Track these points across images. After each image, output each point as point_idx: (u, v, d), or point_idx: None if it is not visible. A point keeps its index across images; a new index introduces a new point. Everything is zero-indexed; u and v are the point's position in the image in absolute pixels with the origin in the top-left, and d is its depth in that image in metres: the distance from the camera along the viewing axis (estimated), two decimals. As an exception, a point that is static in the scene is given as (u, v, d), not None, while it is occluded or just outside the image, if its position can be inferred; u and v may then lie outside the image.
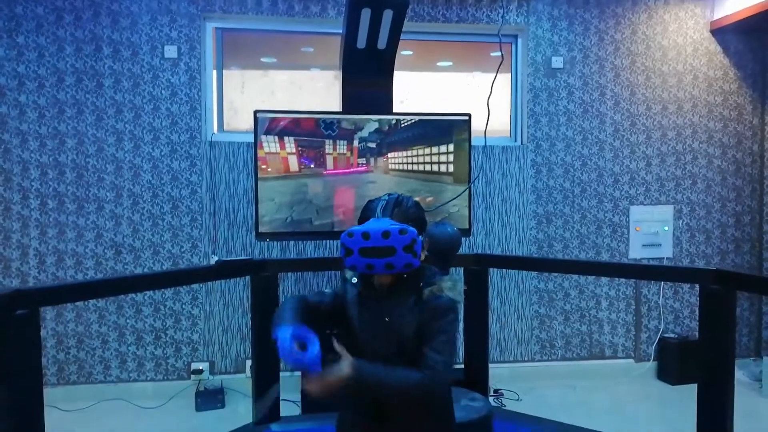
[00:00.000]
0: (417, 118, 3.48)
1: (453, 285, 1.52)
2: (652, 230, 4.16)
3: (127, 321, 3.75)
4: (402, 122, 3.45)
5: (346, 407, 1.60)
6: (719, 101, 4.22)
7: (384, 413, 1.51)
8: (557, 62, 4.04)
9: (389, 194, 1.55)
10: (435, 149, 3.48)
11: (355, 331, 1.57)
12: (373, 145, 3.42)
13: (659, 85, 4.15)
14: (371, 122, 3.39)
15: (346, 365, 1.36)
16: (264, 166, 3.30)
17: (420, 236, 1.46)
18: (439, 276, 1.54)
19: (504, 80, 4.21)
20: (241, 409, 3.43)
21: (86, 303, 3.69)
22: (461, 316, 1.58)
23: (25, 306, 1.97)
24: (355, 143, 3.39)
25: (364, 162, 3.41)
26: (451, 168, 3.49)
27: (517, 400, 3.67)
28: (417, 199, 1.69)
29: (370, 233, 1.42)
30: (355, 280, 1.59)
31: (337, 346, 1.40)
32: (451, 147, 3.49)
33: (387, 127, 3.42)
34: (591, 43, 4.07)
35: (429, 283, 1.50)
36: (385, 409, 1.51)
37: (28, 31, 3.60)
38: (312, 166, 3.37)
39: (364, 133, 3.40)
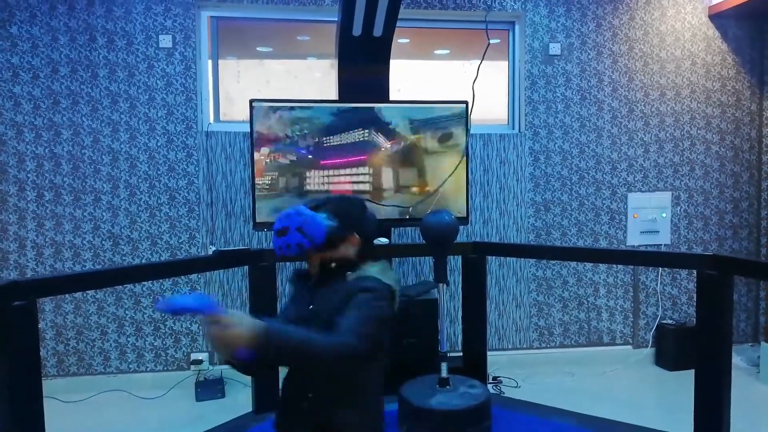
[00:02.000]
0: (414, 105, 3.46)
1: (381, 270, 1.56)
2: (650, 217, 4.16)
3: (126, 312, 3.76)
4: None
5: (253, 373, 1.57)
6: (717, 87, 4.21)
7: (300, 415, 1.51)
8: (555, 49, 4.02)
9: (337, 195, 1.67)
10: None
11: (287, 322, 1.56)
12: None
13: (657, 71, 4.14)
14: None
15: (248, 318, 1.25)
16: (261, 158, 3.29)
17: (340, 230, 1.54)
18: (371, 263, 1.58)
19: (501, 67, 4.19)
20: (241, 398, 3.45)
21: (85, 294, 3.69)
22: (391, 302, 1.51)
23: (22, 297, 1.97)
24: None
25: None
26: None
27: (516, 387, 3.69)
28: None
29: (281, 215, 1.55)
30: (294, 278, 1.68)
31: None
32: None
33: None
34: (589, 30, 4.05)
35: (356, 270, 1.55)
36: (300, 412, 1.51)
37: (22, 21, 3.57)
38: (310, 157, 3.36)
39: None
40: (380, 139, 3.41)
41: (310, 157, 3.36)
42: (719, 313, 2.47)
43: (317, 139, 3.35)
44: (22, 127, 3.61)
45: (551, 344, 4.15)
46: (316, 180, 3.36)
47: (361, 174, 3.40)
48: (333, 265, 1.55)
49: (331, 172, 3.37)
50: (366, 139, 3.40)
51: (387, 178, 3.43)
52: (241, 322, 1.21)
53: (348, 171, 3.39)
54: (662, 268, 4.16)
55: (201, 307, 1.20)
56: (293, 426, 1.55)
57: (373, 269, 1.55)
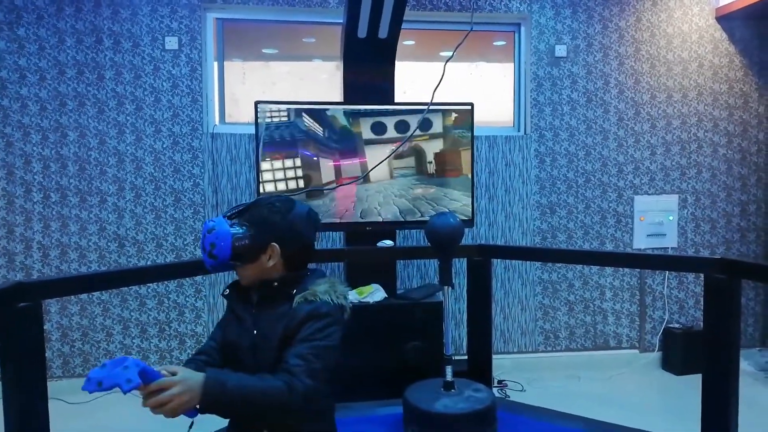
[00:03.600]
0: (418, 107, 3.46)
1: (330, 287, 1.42)
2: (656, 220, 4.14)
3: (131, 314, 3.76)
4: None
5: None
6: (725, 89, 4.18)
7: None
8: (561, 51, 4.00)
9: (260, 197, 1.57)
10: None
11: (230, 347, 1.48)
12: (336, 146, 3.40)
13: (664, 73, 4.11)
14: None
15: (180, 375, 1.19)
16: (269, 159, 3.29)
17: (251, 239, 1.42)
18: (318, 280, 1.45)
19: (507, 69, 4.18)
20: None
21: (90, 296, 3.70)
22: (342, 322, 1.43)
23: (28, 298, 1.97)
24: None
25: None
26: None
27: (521, 390, 3.67)
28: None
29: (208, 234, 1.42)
30: (227, 292, 1.53)
31: (165, 370, 1.22)
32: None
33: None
34: (595, 31, 4.03)
35: (302, 289, 1.42)
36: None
37: (29, 23, 3.58)
38: (315, 158, 3.36)
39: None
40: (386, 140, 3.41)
41: (315, 159, 3.36)
42: (727, 317, 2.45)
43: (322, 141, 3.35)
44: (29, 128, 3.63)
45: (557, 348, 4.13)
46: (321, 182, 3.36)
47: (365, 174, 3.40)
48: (275, 284, 1.43)
49: (336, 173, 3.37)
50: (370, 139, 3.39)
51: (390, 181, 3.43)
52: (184, 385, 1.17)
53: (353, 172, 3.39)
54: (669, 271, 4.13)
55: (137, 377, 1.12)
56: None
57: (320, 288, 1.41)
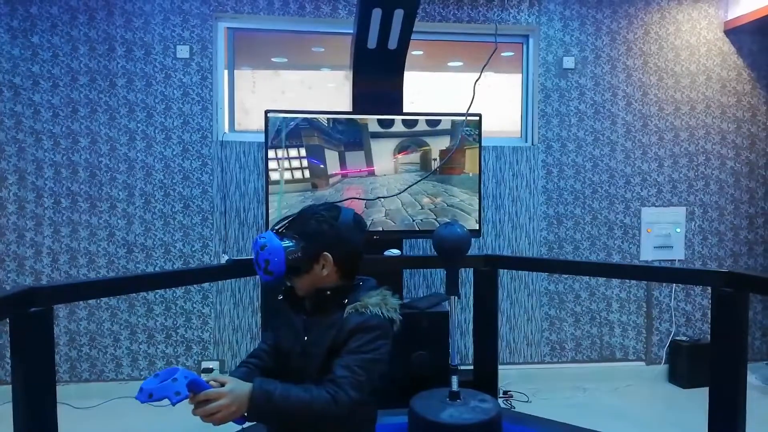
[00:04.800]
0: (427, 117, 3.48)
1: (382, 300, 1.43)
2: (663, 232, 4.13)
3: (139, 319, 3.78)
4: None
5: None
6: (733, 102, 4.18)
7: None
8: (569, 62, 4.02)
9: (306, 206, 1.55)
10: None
11: (280, 351, 1.52)
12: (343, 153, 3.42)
13: (672, 85, 4.12)
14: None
15: (228, 386, 1.24)
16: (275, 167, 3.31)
17: (303, 250, 1.44)
18: (370, 292, 1.46)
19: (515, 80, 4.20)
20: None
21: (98, 301, 3.73)
22: (391, 335, 1.44)
23: (39, 304, 1.99)
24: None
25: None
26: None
27: (527, 401, 3.66)
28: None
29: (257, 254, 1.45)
30: (280, 297, 1.56)
31: (214, 381, 1.27)
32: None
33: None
34: (603, 44, 4.05)
35: (354, 299, 1.43)
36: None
37: (43, 30, 3.64)
38: (321, 165, 3.38)
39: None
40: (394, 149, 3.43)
41: (322, 166, 3.38)
42: (734, 330, 2.44)
43: (331, 149, 3.37)
44: (41, 134, 3.67)
45: (563, 359, 4.12)
46: (329, 190, 3.38)
47: (371, 183, 3.42)
48: (328, 293, 1.45)
49: (344, 181, 3.39)
50: (378, 149, 3.41)
51: (398, 188, 3.45)
52: (232, 396, 1.22)
53: (360, 181, 3.41)
54: (676, 284, 4.11)
55: (185, 389, 1.17)
56: None
57: (372, 300, 1.43)
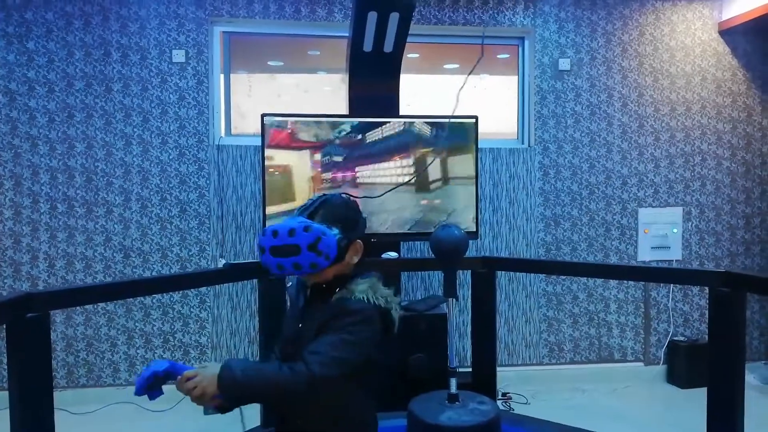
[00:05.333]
0: (422, 120, 3.48)
1: (369, 287, 1.43)
2: (660, 232, 4.14)
3: (136, 324, 3.77)
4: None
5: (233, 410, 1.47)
6: (728, 102, 4.20)
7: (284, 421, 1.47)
8: (564, 64, 4.03)
9: (321, 195, 1.52)
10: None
11: (282, 339, 1.56)
12: (339, 159, 3.41)
13: (667, 86, 4.14)
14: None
15: (200, 366, 1.34)
16: (274, 170, 3.31)
17: (345, 237, 1.42)
18: (360, 279, 1.46)
19: (511, 82, 4.20)
20: (249, 412, 3.43)
21: (95, 306, 3.72)
22: (376, 322, 1.42)
23: (36, 309, 1.98)
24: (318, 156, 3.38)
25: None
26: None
27: (526, 403, 3.66)
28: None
29: (278, 231, 1.38)
30: (290, 283, 1.58)
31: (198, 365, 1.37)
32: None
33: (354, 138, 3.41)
34: (598, 45, 4.06)
35: (344, 286, 1.44)
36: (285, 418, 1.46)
37: (38, 36, 3.63)
38: (319, 170, 3.38)
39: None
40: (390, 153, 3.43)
41: (318, 170, 3.38)
42: (732, 330, 2.44)
43: (325, 153, 3.38)
44: (37, 140, 3.66)
45: (561, 360, 4.12)
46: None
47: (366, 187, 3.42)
48: (324, 285, 1.46)
49: (340, 185, 3.39)
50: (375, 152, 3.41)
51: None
52: (204, 374, 1.30)
53: (357, 182, 3.41)
54: (674, 284, 4.12)
55: (165, 371, 1.32)
56: None
57: (359, 287, 1.43)
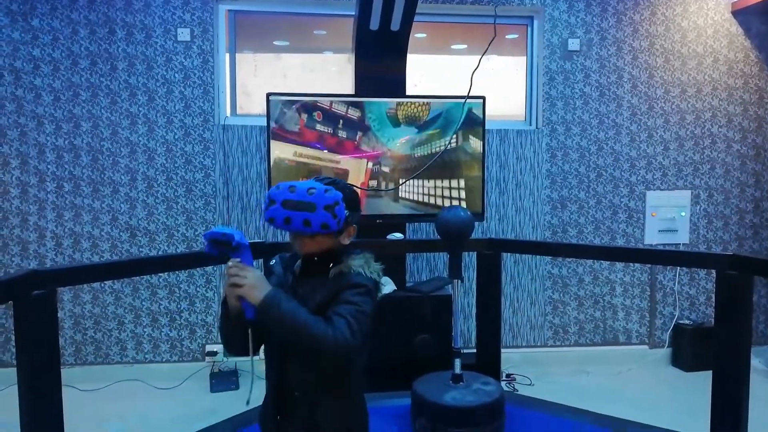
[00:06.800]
0: (430, 100, 3.45)
1: (365, 262, 1.48)
2: (668, 216, 4.11)
3: (143, 303, 3.80)
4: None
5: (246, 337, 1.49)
6: (740, 84, 4.13)
7: (289, 404, 1.47)
8: (574, 44, 3.97)
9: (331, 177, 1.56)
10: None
11: None
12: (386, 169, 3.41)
13: (678, 67, 4.07)
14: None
15: (261, 274, 1.37)
16: (277, 152, 3.30)
17: (347, 216, 1.44)
18: (354, 255, 1.50)
19: (519, 63, 4.15)
20: (255, 390, 3.47)
21: (102, 285, 3.74)
22: (375, 295, 1.48)
23: (42, 286, 1.99)
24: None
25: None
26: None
27: (530, 385, 3.67)
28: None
29: (296, 186, 1.40)
30: (273, 261, 1.59)
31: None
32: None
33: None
34: (609, 25, 4.00)
35: (338, 262, 1.47)
36: (290, 400, 1.47)
37: (43, 14, 3.61)
38: (325, 151, 3.36)
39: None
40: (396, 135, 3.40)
41: (325, 151, 3.36)
42: (738, 314, 2.43)
43: (333, 134, 3.35)
44: (43, 118, 3.66)
45: (566, 342, 4.12)
46: (330, 175, 3.37)
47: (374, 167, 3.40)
48: (316, 258, 1.47)
49: (346, 167, 3.38)
50: (380, 135, 3.39)
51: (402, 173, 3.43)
52: (259, 279, 1.35)
53: (362, 165, 3.39)
54: (680, 267, 4.10)
55: (238, 239, 1.37)
56: (280, 418, 1.50)
57: (356, 262, 1.47)
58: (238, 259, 1.38)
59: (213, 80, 3.77)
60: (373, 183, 3.41)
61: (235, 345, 1.51)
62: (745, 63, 4.13)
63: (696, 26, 4.07)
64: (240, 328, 1.43)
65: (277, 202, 1.39)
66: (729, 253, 2.61)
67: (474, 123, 3.44)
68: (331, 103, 3.34)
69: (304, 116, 3.32)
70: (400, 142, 3.42)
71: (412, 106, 3.42)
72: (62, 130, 3.67)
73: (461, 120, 3.39)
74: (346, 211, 1.43)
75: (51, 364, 2.02)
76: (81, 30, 3.64)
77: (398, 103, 3.39)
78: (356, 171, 3.40)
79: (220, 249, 1.38)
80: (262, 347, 1.56)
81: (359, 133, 3.38)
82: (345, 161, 3.38)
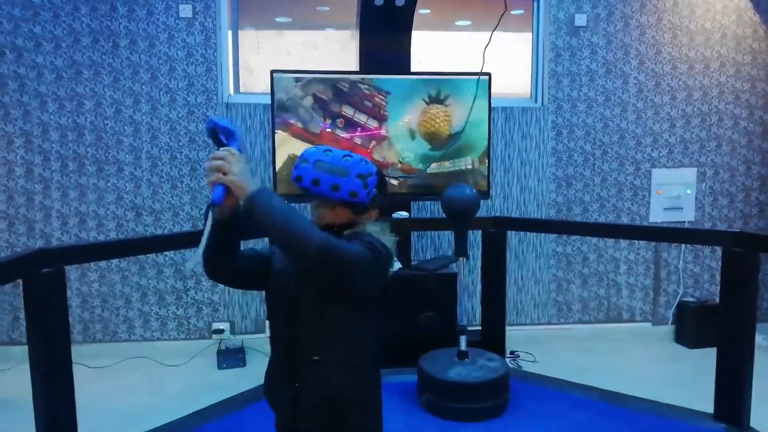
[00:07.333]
0: (435, 78, 3.42)
1: (380, 229, 1.43)
2: (674, 193, 4.10)
3: (149, 282, 3.82)
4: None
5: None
6: (748, 60, 4.08)
7: (302, 372, 1.41)
8: (580, 20, 3.92)
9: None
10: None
11: (277, 275, 1.47)
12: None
13: (686, 43, 4.02)
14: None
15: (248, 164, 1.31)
16: (282, 131, 3.29)
17: (378, 197, 1.42)
18: (372, 224, 1.45)
19: (525, 39, 4.10)
20: (262, 367, 3.48)
21: (109, 264, 3.76)
22: (386, 262, 1.40)
23: (51, 264, 2.01)
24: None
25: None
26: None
27: (534, 362, 3.70)
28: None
29: (332, 150, 1.37)
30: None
31: None
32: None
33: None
34: (616, 0, 3.94)
35: (353, 228, 1.43)
36: (304, 368, 1.40)
37: (43, -10, 3.57)
38: (330, 130, 3.34)
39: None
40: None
41: (328, 130, 3.34)
42: (744, 291, 2.44)
43: (337, 112, 3.34)
44: (46, 97, 3.64)
45: (570, 320, 4.14)
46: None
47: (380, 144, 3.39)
48: (335, 228, 1.40)
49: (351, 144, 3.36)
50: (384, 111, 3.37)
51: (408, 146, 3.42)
52: (245, 170, 1.26)
53: (368, 144, 3.38)
54: (685, 245, 4.10)
55: (224, 128, 1.30)
56: (287, 388, 1.43)
57: (372, 228, 1.42)
58: (234, 148, 1.28)
59: (216, 57, 3.73)
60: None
61: (218, 263, 1.40)
62: (753, 39, 4.07)
63: (704, 1, 4.00)
64: (225, 240, 1.35)
65: (310, 161, 1.35)
66: (736, 230, 2.61)
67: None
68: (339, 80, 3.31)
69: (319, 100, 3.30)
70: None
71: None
72: (65, 108, 3.66)
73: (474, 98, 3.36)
74: (375, 190, 1.40)
75: (61, 339, 2.04)
76: (82, 6, 3.60)
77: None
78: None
79: (217, 138, 1.30)
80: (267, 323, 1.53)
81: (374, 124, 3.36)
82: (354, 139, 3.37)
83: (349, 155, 1.37)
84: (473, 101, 3.37)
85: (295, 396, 1.41)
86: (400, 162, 3.40)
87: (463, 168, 3.44)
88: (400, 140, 3.39)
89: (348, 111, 3.34)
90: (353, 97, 3.33)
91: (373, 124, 3.37)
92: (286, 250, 1.29)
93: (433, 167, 3.43)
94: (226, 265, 1.41)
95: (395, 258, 1.48)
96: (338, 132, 3.35)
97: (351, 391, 1.42)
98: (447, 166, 3.44)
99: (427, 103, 3.39)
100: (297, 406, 1.42)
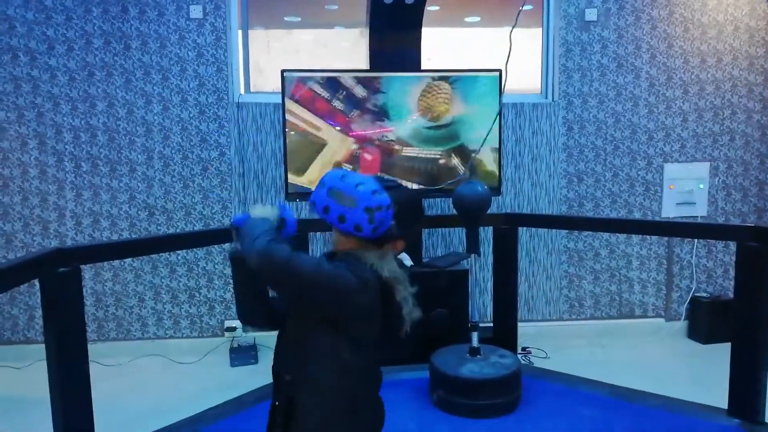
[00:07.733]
0: (446, 75, 3.42)
1: (379, 258, 1.32)
2: (686, 188, 4.06)
3: (162, 280, 3.85)
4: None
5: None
6: (761, 53, 4.04)
7: (277, 387, 1.41)
8: (591, 14, 3.89)
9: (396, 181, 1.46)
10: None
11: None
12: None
13: (698, 36, 3.98)
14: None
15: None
16: (291, 129, 3.30)
17: (390, 227, 1.31)
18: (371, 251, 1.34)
19: (535, 35, 4.09)
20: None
21: (123, 263, 3.80)
22: (370, 288, 1.30)
23: (67, 264, 2.04)
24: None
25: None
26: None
27: (545, 358, 3.69)
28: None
29: (347, 176, 1.29)
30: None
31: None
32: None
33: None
34: (627, -6, 3.91)
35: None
36: (277, 384, 1.40)
37: (55, -7, 3.60)
38: (337, 128, 3.35)
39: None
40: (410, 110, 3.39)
41: (338, 128, 3.35)
42: (759, 285, 2.42)
43: (347, 110, 3.34)
44: (59, 99, 3.68)
45: (582, 316, 4.13)
46: (344, 152, 3.37)
47: (388, 143, 3.39)
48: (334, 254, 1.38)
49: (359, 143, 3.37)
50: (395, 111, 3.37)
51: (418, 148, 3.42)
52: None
53: (377, 142, 3.39)
54: (698, 240, 4.07)
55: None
56: (273, 399, 1.44)
57: (370, 253, 1.32)
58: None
59: (226, 57, 3.75)
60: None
61: (250, 311, 1.45)
62: (766, 31, 4.02)
63: (717, -7, 3.97)
64: (254, 290, 1.38)
65: (325, 186, 1.29)
66: (751, 224, 2.59)
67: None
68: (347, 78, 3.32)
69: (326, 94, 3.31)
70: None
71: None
72: (78, 110, 3.69)
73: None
74: (392, 221, 1.30)
75: (78, 337, 2.07)
76: (94, 9, 3.64)
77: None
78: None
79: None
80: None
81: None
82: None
83: (363, 183, 1.28)
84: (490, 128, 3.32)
85: (274, 410, 1.42)
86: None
87: (431, 156, 3.42)
88: (407, 134, 3.39)
89: (356, 110, 3.35)
90: (362, 95, 3.34)
91: (381, 121, 3.37)
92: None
93: (408, 151, 3.41)
94: (257, 311, 1.44)
95: (403, 284, 1.36)
96: (350, 125, 3.36)
97: (312, 421, 1.35)
98: (417, 151, 3.43)
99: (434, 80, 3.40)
100: (274, 419, 1.41)
